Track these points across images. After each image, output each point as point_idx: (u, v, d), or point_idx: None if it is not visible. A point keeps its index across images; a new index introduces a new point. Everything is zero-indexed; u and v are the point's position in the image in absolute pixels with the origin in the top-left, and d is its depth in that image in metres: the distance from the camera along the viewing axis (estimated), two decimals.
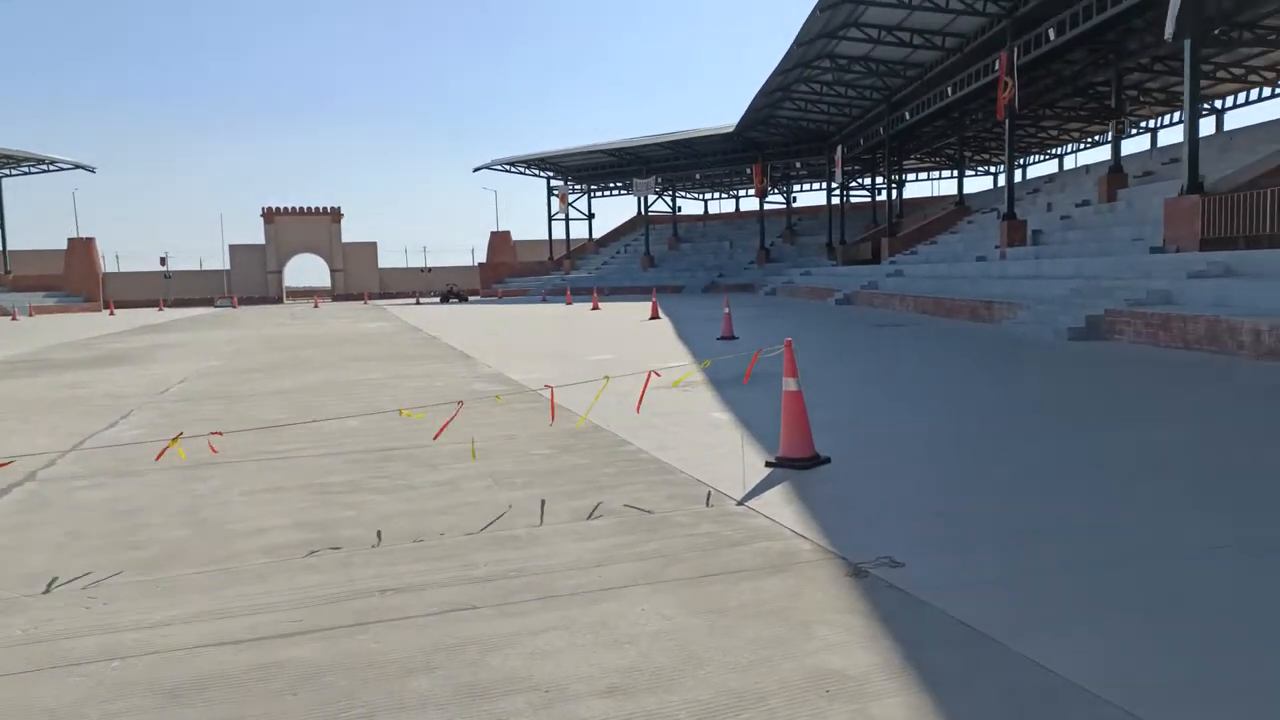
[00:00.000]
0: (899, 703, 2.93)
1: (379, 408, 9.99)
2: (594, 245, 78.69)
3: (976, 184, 69.68)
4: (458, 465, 6.86)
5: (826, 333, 19.56)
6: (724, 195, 79.51)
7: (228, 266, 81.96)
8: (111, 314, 54.80)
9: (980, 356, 13.69)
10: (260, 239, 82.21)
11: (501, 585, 4.18)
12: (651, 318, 28.09)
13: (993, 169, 63.91)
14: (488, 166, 71.53)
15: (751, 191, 68.27)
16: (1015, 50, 28.72)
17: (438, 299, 64.25)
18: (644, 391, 7.34)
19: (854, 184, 63.86)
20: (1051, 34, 26.99)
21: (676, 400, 9.81)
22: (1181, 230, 19.83)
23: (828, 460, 6.56)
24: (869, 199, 62.35)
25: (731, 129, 55.69)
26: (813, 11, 30.21)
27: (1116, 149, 31.24)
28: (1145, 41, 28.85)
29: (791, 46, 35.21)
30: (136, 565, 4.65)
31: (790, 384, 6.55)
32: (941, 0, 29.28)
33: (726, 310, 19.53)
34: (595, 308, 37.75)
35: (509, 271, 75.09)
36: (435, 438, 7.08)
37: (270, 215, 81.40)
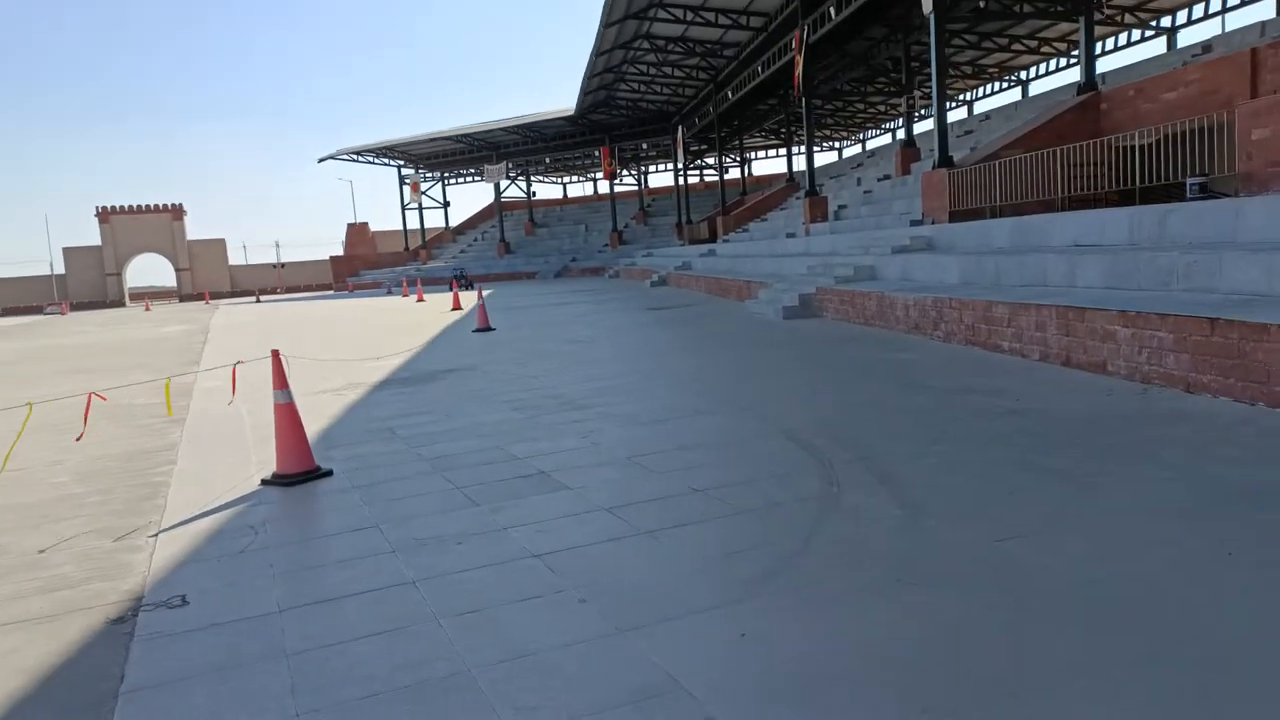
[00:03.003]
0: None
1: None
2: (451, 234, 77.20)
3: (822, 158, 71.19)
4: None
5: (585, 321, 19.41)
6: (581, 178, 79.07)
7: (62, 271, 77.31)
8: None
9: (684, 340, 13.71)
10: (96, 240, 77.73)
11: None
12: (453, 309, 27.63)
13: (836, 144, 65.26)
14: (333, 157, 69.09)
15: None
16: (805, 28, 29.13)
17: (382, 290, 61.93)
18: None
19: (700, 164, 64.37)
20: (833, 11, 27.44)
21: (317, 406, 9.45)
22: (934, 203, 20.41)
23: (328, 474, 6.31)
24: (726, 177, 62.88)
25: (573, 111, 55.22)
26: None
27: (909, 123, 32.12)
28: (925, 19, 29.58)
29: (600, 28, 34.95)
30: None
31: (280, 397, 6.25)
32: None
33: (481, 302, 19.14)
34: (420, 299, 37.08)
35: (363, 264, 72.95)
36: None
37: (105, 215, 76.99)
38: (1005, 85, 43.91)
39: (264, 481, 6.21)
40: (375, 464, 6.58)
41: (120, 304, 75.63)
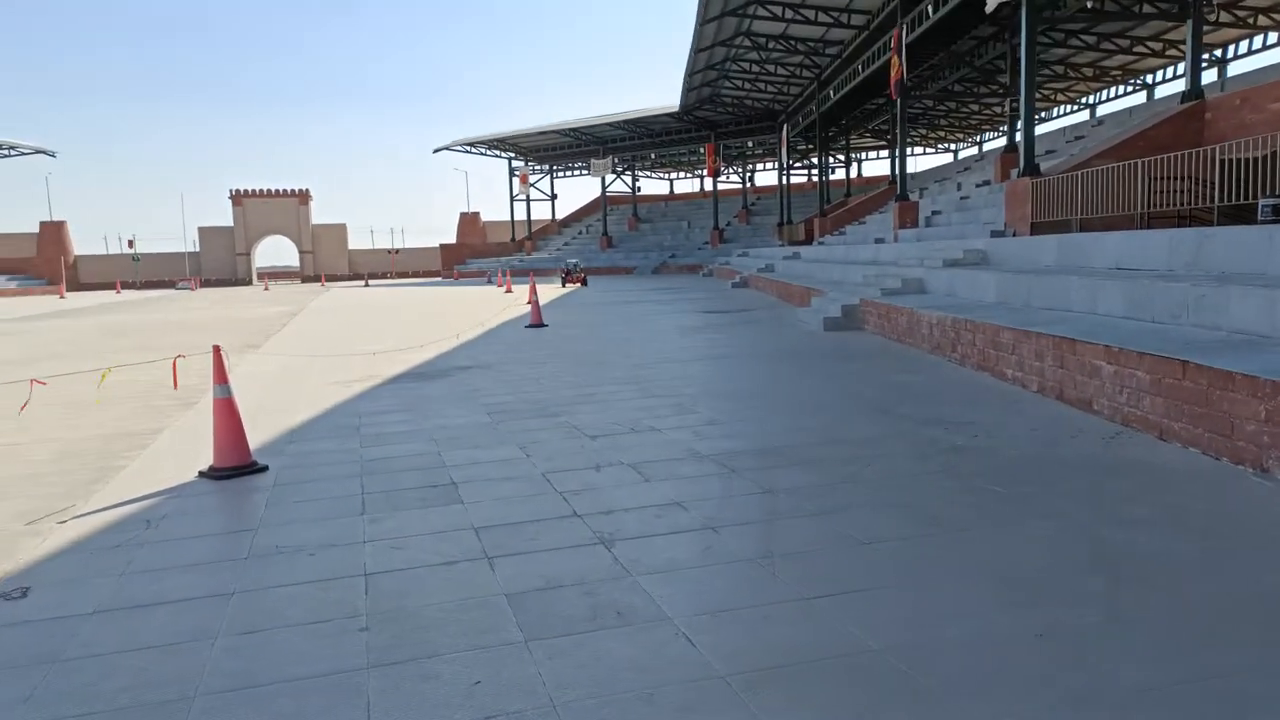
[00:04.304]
0: None
1: None
2: (556, 226, 78.28)
3: (935, 160, 69.41)
4: None
5: (638, 322, 19.29)
6: (688, 174, 78.86)
7: (196, 249, 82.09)
8: (61, 297, 55.03)
9: (712, 348, 13.39)
10: (229, 221, 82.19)
11: None
12: (527, 302, 27.93)
13: (951, 146, 63.02)
14: (447, 148, 71.04)
15: None
16: (904, 27, 28.16)
17: (438, 281, 63.90)
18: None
19: (807, 163, 63.25)
20: (930, 10, 26.44)
21: (316, 398, 9.70)
22: (1017, 213, 19.41)
23: (263, 469, 6.42)
24: (832, 178, 61.63)
25: (678, 108, 55.05)
26: None
27: (1012, 127, 30.65)
28: (1049, 15, 28.10)
29: (697, 25, 34.70)
30: None
31: (219, 391, 6.40)
32: None
33: (534, 298, 19.29)
34: (508, 290, 37.73)
35: (471, 253, 74.82)
36: None
37: (238, 198, 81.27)
38: (1130, 89, 41.43)
39: (200, 474, 6.37)
40: (313, 463, 6.66)
41: (248, 282, 79.73)
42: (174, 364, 7.31)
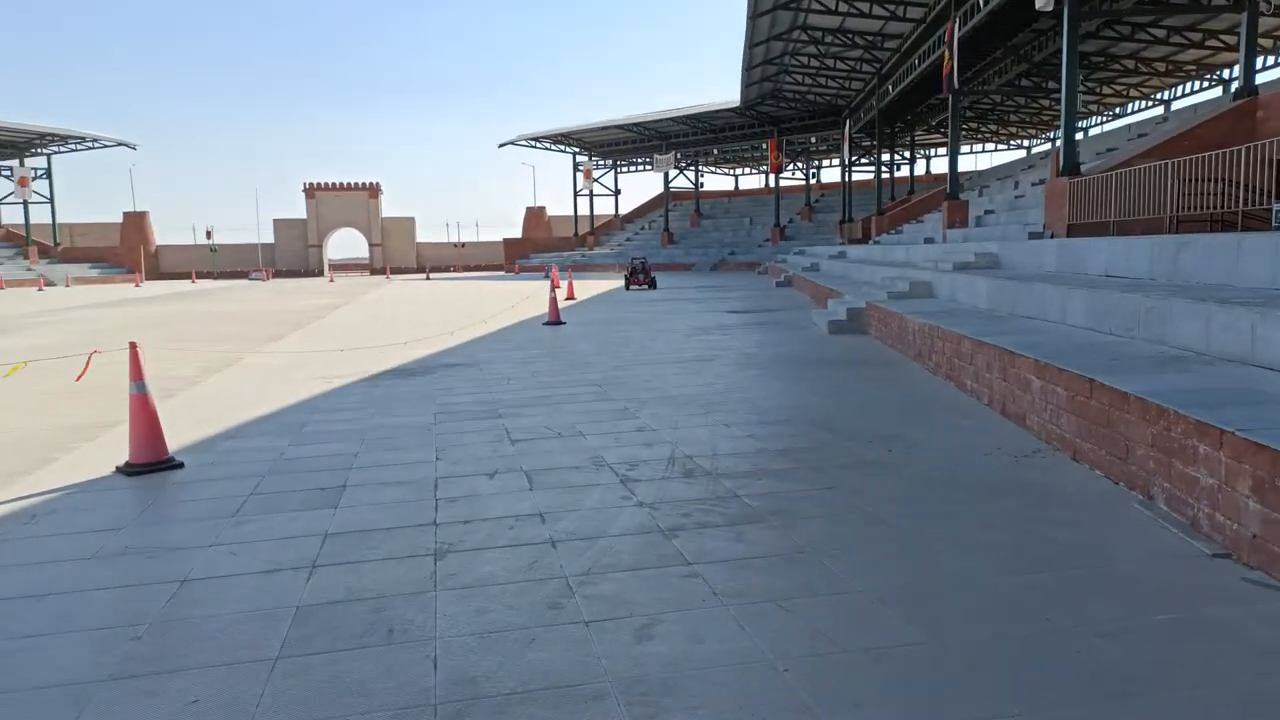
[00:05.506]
0: None
1: None
2: (620, 221, 78.36)
3: (1008, 156, 67.62)
4: None
5: (659, 321, 19.12)
6: (752, 170, 78.12)
7: (271, 240, 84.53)
8: (136, 286, 57.33)
9: (710, 350, 13.11)
10: (302, 214, 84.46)
11: None
12: (567, 298, 28.15)
13: (1025, 141, 61.12)
14: (512, 142, 71.75)
15: None
16: (956, 20, 27.34)
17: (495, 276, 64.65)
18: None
19: (868, 160, 62.04)
20: (982, 2, 25.61)
21: (289, 393, 9.86)
22: (1055, 214, 18.69)
23: (179, 466, 6.51)
24: (897, 175, 60.44)
25: (739, 103, 54.53)
26: None
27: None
28: (1097, 7, 27.03)
29: (748, 19, 34.27)
30: None
31: (134, 388, 6.51)
32: None
33: (553, 294, 19.35)
34: (555, 285, 37.84)
35: (534, 247, 75.41)
36: None
37: (311, 191, 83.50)
38: (1207, 84, 39.48)
39: (117, 469, 6.48)
40: (230, 460, 6.72)
41: (319, 274, 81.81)
42: (88, 360, 7.42)
